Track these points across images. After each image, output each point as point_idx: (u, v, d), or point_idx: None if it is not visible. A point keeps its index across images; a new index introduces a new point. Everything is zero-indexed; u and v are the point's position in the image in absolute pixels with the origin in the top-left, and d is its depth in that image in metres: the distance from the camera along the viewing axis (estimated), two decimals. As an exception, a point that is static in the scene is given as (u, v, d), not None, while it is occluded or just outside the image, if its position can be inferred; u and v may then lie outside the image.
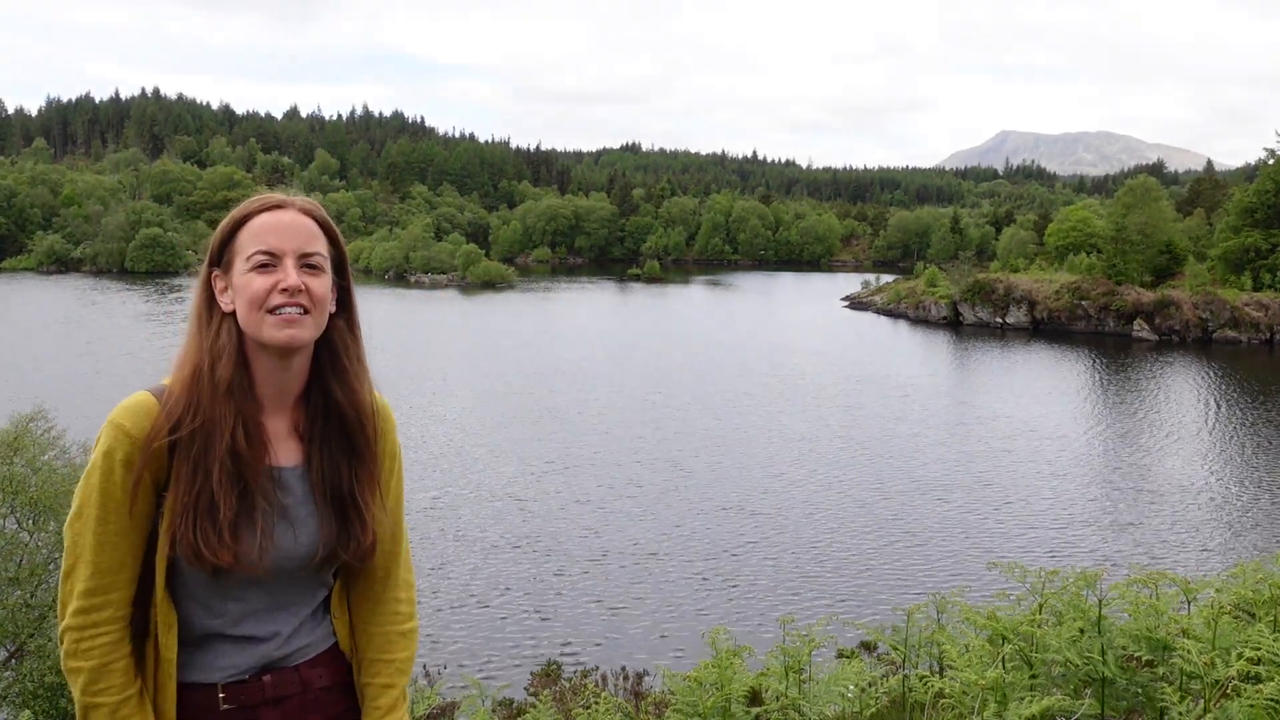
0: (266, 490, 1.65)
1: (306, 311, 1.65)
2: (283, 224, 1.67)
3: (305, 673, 1.74)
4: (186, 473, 1.60)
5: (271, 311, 1.63)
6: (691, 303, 78.03)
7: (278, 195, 1.71)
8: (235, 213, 1.70)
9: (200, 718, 1.67)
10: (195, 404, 1.62)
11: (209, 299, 1.70)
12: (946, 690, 2.79)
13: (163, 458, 1.62)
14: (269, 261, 1.64)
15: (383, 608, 1.82)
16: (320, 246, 1.70)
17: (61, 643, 1.64)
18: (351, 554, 1.72)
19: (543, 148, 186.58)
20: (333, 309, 1.74)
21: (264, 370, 1.69)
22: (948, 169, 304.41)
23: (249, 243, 1.66)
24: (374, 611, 1.82)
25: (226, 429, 1.62)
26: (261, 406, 1.70)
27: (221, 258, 1.70)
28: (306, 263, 1.67)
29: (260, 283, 1.64)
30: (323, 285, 1.69)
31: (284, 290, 1.63)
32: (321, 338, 1.72)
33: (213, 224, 1.87)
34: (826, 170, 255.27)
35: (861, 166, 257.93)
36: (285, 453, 1.71)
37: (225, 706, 1.66)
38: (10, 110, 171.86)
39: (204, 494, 1.59)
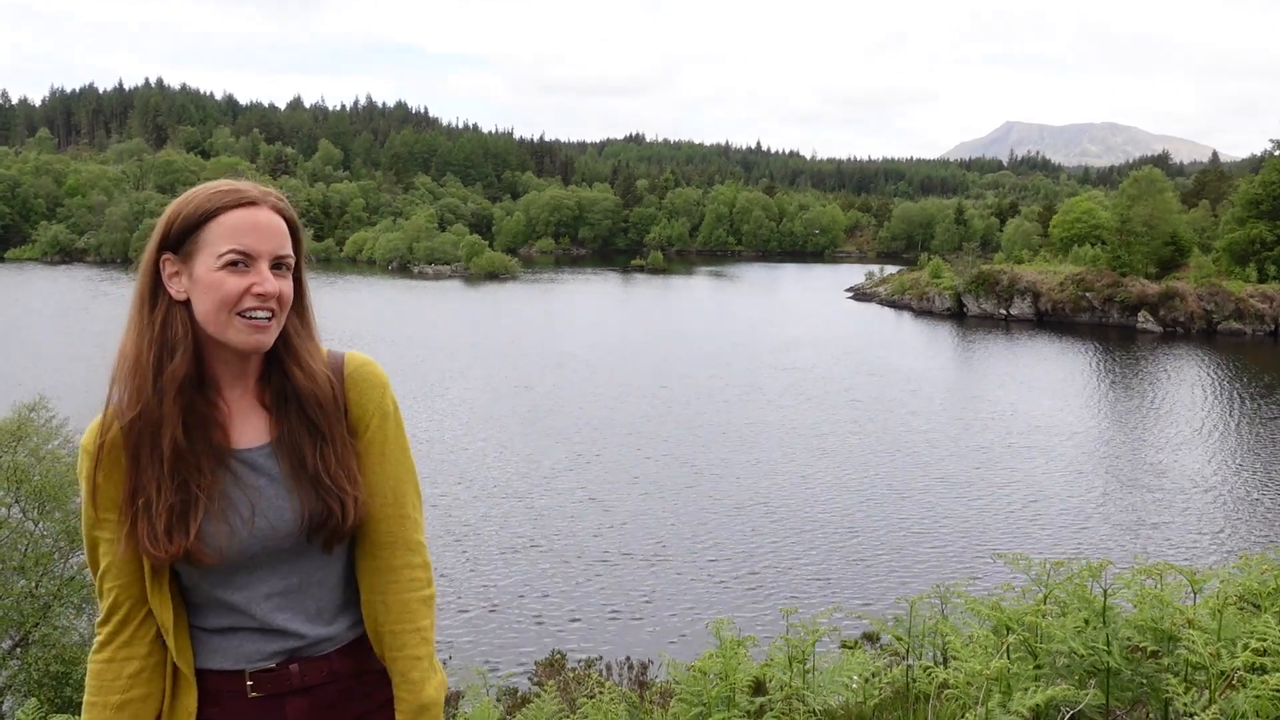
0: (225, 476, 1.64)
1: (273, 315, 1.64)
2: (260, 224, 1.63)
3: (336, 662, 1.74)
4: (135, 469, 1.61)
5: (241, 314, 1.61)
6: (696, 294, 77.94)
7: (249, 189, 1.66)
8: (202, 202, 1.63)
9: (229, 704, 1.69)
10: (134, 396, 1.61)
11: (155, 284, 1.65)
12: (951, 681, 2.78)
13: (119, 463, 1.63)
14: (242, 261, 1.61)
15: (399, 575, 1.75)
16: (290, 247, 1.68)
17: None
18: (331, 527, 1.69)
19: (546, 139, 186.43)
20: None
21: (221, 361, 1.68)
22: (952, 160, 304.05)
23: (221, 239, 1.61)
24: (391, 580, 1.75)
25: (172, 420, 1.60)
26: (220, 393, 1.68)
27: (180, 245, 1.63)
28: (278, 263, 1.65)
29: (233, 284, 1.60)
30: (290, 286, 1.67)
31: (259, 295, 1.61)
32: None
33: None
34: (830, 161, 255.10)
35: (866, 158, 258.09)
36: (251, 433, 1.69)
37: (254, 694, 1.68)
38: (14, 100, 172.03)
39: (146, 489, 1.60)
